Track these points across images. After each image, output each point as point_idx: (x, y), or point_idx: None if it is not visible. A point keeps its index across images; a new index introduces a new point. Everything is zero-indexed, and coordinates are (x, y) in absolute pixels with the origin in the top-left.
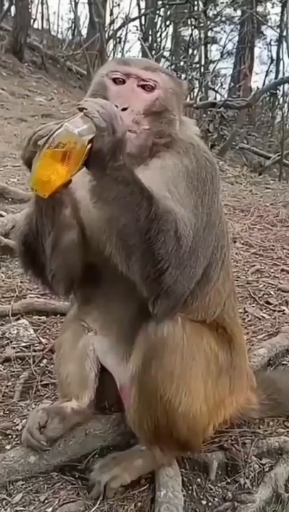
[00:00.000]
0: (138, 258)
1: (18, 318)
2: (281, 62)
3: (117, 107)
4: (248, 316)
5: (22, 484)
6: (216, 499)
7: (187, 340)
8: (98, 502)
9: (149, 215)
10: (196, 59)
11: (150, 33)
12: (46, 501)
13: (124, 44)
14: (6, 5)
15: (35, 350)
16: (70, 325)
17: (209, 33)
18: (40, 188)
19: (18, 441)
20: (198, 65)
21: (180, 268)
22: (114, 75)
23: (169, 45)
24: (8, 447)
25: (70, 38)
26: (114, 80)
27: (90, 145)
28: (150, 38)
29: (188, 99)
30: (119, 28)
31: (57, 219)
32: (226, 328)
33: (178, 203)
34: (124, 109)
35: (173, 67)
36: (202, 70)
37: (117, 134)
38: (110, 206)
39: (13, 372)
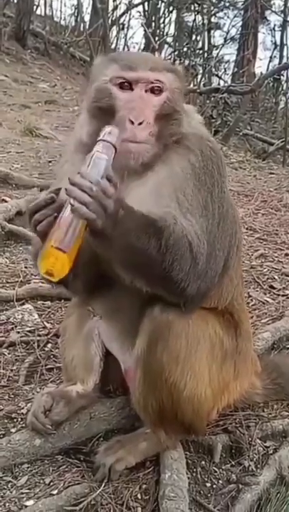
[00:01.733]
0: (157, 283)
1: (23, 303)
2: (285, 47)
3: (132, 122)
4: (252, 300)
5: (27, 467)
6: (220, 481)
7: (192, 324)
8: (103, 484)
9: (161, 249)
10: (200, 45)
11: (153, 18)
12: (51, 484)
13: (127, 30)
14: None
15: (39, 335)
16: (76, 309)
17: (213, 19)
18: (50, 276)
19: (24, 425)
20: (201, 51)
21: (201, 278)
22: (120, 80)
23: (172, 30)
24: (13, 430)
25: (73, 24)
26: (121, 86)
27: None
28: (153, 23)
29: (191, 85)
30: (123, 14)
31: None
32: (233, 313)
33: (188, 214)
34: (140, 123)
35: (176, 53)
36: (205, 55)
37: (109, 212)
38: (119, 254)
39: (18, 356)
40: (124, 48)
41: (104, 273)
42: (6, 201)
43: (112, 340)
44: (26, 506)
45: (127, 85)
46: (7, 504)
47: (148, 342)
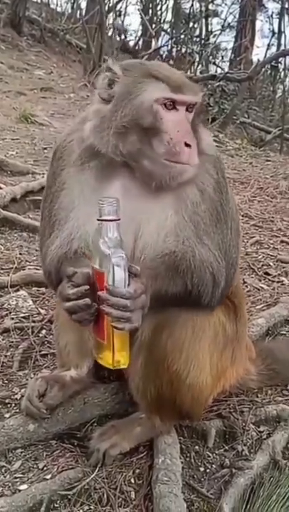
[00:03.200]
0: (182, 306)
1: (17, 290)
2: (283, 35)
3: (188, 145)
4: (247, 286)
5: (21, 452)
6: (213, 466)
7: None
8: (97, 469)
9: (187, 289)
10: (197, 32)
11: (150, 5)
12: (45, 468)
13: (124, 17)
14: None
15: (34, 321)
16: None
17: (210, 6)
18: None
19: (17, 410)
20: (198, 38)
21: (223, 289)
22: (167, 101)
23: (169, 17)
24: (7, 415)
25: (70, 11)
26: (165, 105)
27: None
28: (150, 10)
29: (188, 73)
30: (119, 0)
31: None
32: (232, 299)
33: (204, 236)
34: (188, 145)
35: (173, 40)
36: (202, 43)
37: (147, 305)
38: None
39: (12, 342)
40: (119, 35)
41: None
42: (0, 188)
43: None
44: (20, 491)
45: (171, 105)
46: (1, 488)
47: (153, 329)
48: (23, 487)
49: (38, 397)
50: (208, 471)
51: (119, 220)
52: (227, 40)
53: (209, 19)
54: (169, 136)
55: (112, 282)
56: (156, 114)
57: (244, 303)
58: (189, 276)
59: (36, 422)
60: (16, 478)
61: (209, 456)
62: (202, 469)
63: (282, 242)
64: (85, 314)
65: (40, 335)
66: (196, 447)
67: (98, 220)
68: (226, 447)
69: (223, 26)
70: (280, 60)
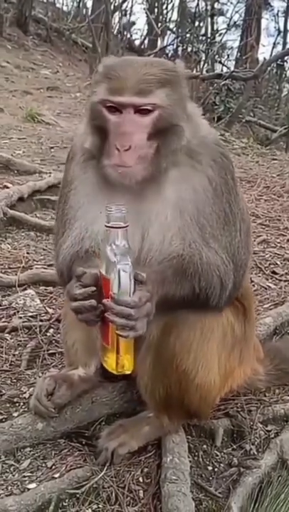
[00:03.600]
0: (190, 308)
1: (25, 289)
2: (288, 33)
3: (118, 150)
4: (254, 285)
5: (30, 451)
6: (221, 465)
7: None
8: (105, 468)
9: (194, 292)
10: (203, 31)
11: (156, 4)
12: (54, 467)
13: (129, 16)
14: None
15: (41, 320)
16: None
17: (216, 5)
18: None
19: (26, 409)
20: (204, 37)
21: (232, 291)
22: (108, 103)
23: (175, 16)
24: (15, 414)
25: (75, 10)
26: (109, 109)
27: None
28: (156, 9)
29: (194, 71)
30: None
31: None
32: (241, 300)
33: (210, 238)
34: (126, 150)
35: (179, 39)
36: (208, 41)
37: (152, 313)
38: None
39: (20, 341)
40: (124, 34)
41: None
42: (7, 187)
43: None
44: (29, 489)
45: (113, 107)
46: (9, 487)
47: (161, 329)
48: (32, 486)
49: (46, 396)
50: (216, 470)
51: (127, 226)
52: (233, 39)
53: (215, 18)
54: (111, 140)
55: (116, 290)
56: (102, 115)
57: (253, 305)
58: (197, 279)
59: (45, 420)
60: (24, 476)
61: (217, 455)
62: (210, 468)
63: (288, 241)
64: (90, 315)
65: (48, 334)
66: (204, 446)
67: (106, 226)
68: (234, 446)
69: (228, 25)
70: (285, 58)
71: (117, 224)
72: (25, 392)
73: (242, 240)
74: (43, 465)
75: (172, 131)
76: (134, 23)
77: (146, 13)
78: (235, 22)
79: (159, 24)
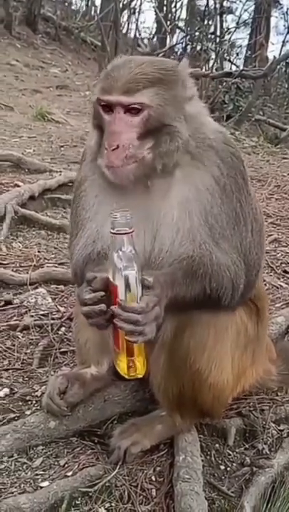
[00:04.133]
0: (205, 307)
1: (36, 287)
2: None
3: (107, 149)
4: (265, 284)
5: (42, 449)
6: (234, 464)
7: (222, 312)
8: (118, 467)
9: (205, 293)
10: (212, 29)
11: (165, 3)
12: (66, 465)
13: (138, 14)
14: None
15: (53, 319)
16: None
17: (225, 3)
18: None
19: (38, 407)
20: (213, 36)
21: (244, 291)
22: (102, 103)
23: (184, 15)
24: (28, 413)
25: (84, 8)
26: (104, 108)
27: None
28: (165, 8)
29: (203, 70)
30: None
31: None
32: (255, 301)
33: (220, 239)
34: (114, 149)
35: (188, 37)
36: (217, 40)
37: (161, 316)
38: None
39: (32, 339)
40: (135, 34)
41: None
42: (18, 186)
43: None
44: (41, 487)
45: (107, 108)
46: (22, 485)
47: (175, 328)
48: (45, 484)
49: (58, 394)
50: (228, 469)
51: (132, 232)
52: (242, 37)
53: (224, 16)
54: (104, 137)
55: (123, 297)
56: (99, 114)
57: (267, 305)
58: (207, 280)
59: (57, 419)
60: (37, 475)
61: (230, 455)
62: (223, 467)
63: None
64: (100, 320)
65: (60, 332)
66: (217, 445)
67: (111, 233)
68: (246, 446)
69: (238, 23)
70: None
71: (122, 230)
72: (37, 391)
73: (254, 240)
74: (56, 463)
75: (164, 132)
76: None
77: (155, 11)
78: (244, 20)
79: (168, 22)
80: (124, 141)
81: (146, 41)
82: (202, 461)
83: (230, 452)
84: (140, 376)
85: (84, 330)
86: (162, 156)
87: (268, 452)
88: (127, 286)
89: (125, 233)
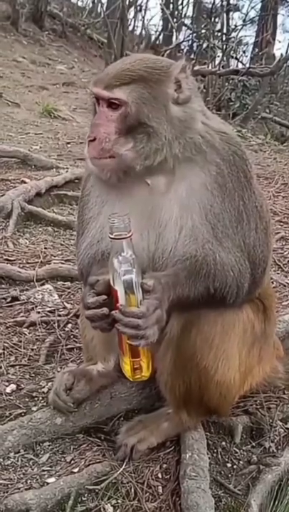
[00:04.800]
0: (209, 306)
1: (43, 284)
2: None
3: (91, 139)
4: (273, 282)
5: (49, 445)
6: (240, 462)
7: (227, 309)
8: (124, 463)
9: (209, 292)
10: (218, 27)
11: (171, 0)
12: (72, 462)
13: (145, 12)
14: None
15: (59, 315)
16: None
17: (231, 0)
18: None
19: (45, 403)
20: (220, 33)
21: (250, 289)
22: (92, 95)
23: (190, 12)
24: (34, 409)
25: (91, 5)
26: (96, 100)
27: None
28: (171, 5)
29: (210, 68)
30: None
31: None
32: (262, 299)
33: (223, 238)
34: (91, 141)
35: (194, 35)
36: (224, 37)
37: (163, 319)
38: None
39: (39, 336)
40: (141, 31)
41: None
42: (25, 182)
43: None
44: (48, 483)
45: (97, 100)
46: (29, 481)
47: (182, 325)
48: (51, 480)
49: (65, 391)
50: (235, 467)
51: (131, 236)
52: (249, 35)
53: (231, 14)
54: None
55: (124, 302)
56: (94, 106)
57: (274, 304)
58: (211, 280)
59: (64, 415)
60: (43, 471)
61: (236, 452)
62: (229, 465)
63: None
64: (103, 323)
65: (66, 329)
66: (223, 443)
67: (110, 238)
68: (253, 443)
69: (244, 21)
70: None
71: (121, 235)
72: (43, 387)
73: (259, 238)
74: (62, 459)
75: (141, 131)
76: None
77: (161, 8)
78: (251, 18)
79: (175, 19)
80: (102, 133)
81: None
82: (209, 458)
83: (237, 450)
84: (145, 378)
85: (90, 327)
86: (142, 156)
87: (275, 450)
88: (127, 290)
89: (124, 238)
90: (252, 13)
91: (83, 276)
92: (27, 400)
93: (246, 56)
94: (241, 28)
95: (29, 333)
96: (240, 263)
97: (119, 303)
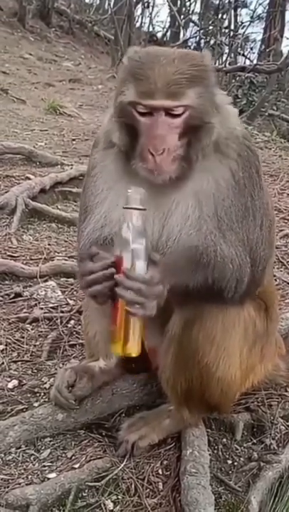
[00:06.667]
0: (205, 300)
1: (46, 280)
2: None
3: (152, 155)
4: (276, 280)
5: (50, 441)
6: (241, 459)
7: (229, 307)
8: (125, 459)
9: (208, 282)
10: (226, 23)
11: None
12: (73, 457)
13: (152, 8)
14: None
15: (62, 311)
16: None
17: None
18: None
19: (46, 399)
20: (227, 30)
21: (249, 285)
22: (139, 107)
23: (198, 8)
24: (36, 405)
25: (98, 2)
26: (140, 110)
27: None
28: (179, 1)
29: (217, 64)
30: None
31: None
32: (264, 297)
33: (228, 231)
34: (160, 153)
35: (202, 31)
36: (231, 34)
37: (161, 295)
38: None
39: (41, 332)
40: (148, 27)
41: None
42: (29, 179)
43: None
44: (49, 479)
45: (143, 109)
46: (30, 476)
47: (184, 322)
48: (52, 476)
49: (67, 387)
50: (235, 464)
51: (145, 210)
52: (256, 32)
53: (238, 10)
54: (143, 143)
55: (129, 266)
56: (132, 115)
57: (276, 302)
58: (210, 270)
59: (65, 411)
60: (44, 466)
61: (237, 449)
62: (230, 462)
63: None
64: (105, 288)
65: (69, 325)
66: (224, 440)
67: (124, 207)
68: (254, 440)
69: (252, 17)
70: None
71: (135, 206)
72: (45, 383)
73: (262, 235)
74: (63, 455)
75: (203, 129)
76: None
77: (168, 5)
78: (258, 14)
79: (182, 16)
80: (169, 144)
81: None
82: (209, 455)
83: (238, 447)
84: (134, 355)
85: (93, 323)
86: (197, 151)
87: (276, 447)
88: (134, 257)
89: (137, 209)
90: (259, 10)
91: (83, 261)
92: (29, 395)
93: (253, 53)
94: (249, 25)
95: (32, 329)
96: (241, 257)
97: (124, 267)
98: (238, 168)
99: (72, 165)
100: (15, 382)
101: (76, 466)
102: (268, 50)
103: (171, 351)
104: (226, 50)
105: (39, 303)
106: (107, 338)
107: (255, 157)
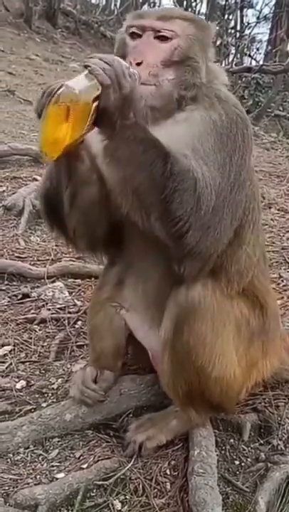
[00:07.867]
0: (157, 217)
1: (54, 281)
2: None
3: (131, 63)
4: (282, 281)
5: (58, 441)
6: (248, 459)
7: (217, 306)
8: (133, 460)
9: (165, 173)
10: (232, 24)
11: None
12: (81, 458)
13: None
14: None
15: (70, 312)
16: (102, 307)
17: None
18: (49, 150)
19: (54, 400)
20: (233, 30)
21: (202, 229)
22: (131, 29)
23: (204, 9)
24: (44, 405)
25: (104, 3)
26: (132, 35)
27: (96, 103)
28: (185, 2)
29: (223, 65)
30: None
31: (73, 174)
32: (257, 295)
33: (201, 161)
34: (138, 64)
35: None
36: (238, 35)
37: (123, 90)
38: (123, 165)
39: (49, 333)
40: None
41: (118, 229)
42: (37, 180)
43: (138, 328)
44: (57, 479)
45: (137, 34)
46: (38, 476)
47: (174, 325)
48: (60, 475)
49: (93, 381)
50: (243, 464)
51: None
52: (262, 32)
53: (244, 11)
54: (128, 59)
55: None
56: (124, 43)
57: (272, 298)
58: (172, 161)
59: (73, 411)
60: (52, 466)
61: (244, 450)
62: (237, 462)
63: None
64: None
65: (76, 326)
66: (231, 440)
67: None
68: (261, 441)
69: (258, 18)
70: None
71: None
72: (53, 383)
73: (231, 203)
74: (71, 455)
75: (187, 64)
76: None
77: (175, 5)
78: (265, 15)
79: None
80: (149, 59)
81: None
82: (217, 455)
83: (245, 447)
84: (50, 155)
85: (99, 340)
86: (182, 87)
87: (283, 448)
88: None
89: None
90: (266, 10)
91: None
92: (37, 396)
93: (260, 53)
94: (255, 26)
95: (39, 329)
96: (205, 181)
97: None
98: (221, 121)
99: None
100: (23, 382)
101: (84, 466)
102: (274, 50)
103: (167, 356)
104: (232, 51)
105: (47, 304)
106: (112, 353)
107: (242, 124)
